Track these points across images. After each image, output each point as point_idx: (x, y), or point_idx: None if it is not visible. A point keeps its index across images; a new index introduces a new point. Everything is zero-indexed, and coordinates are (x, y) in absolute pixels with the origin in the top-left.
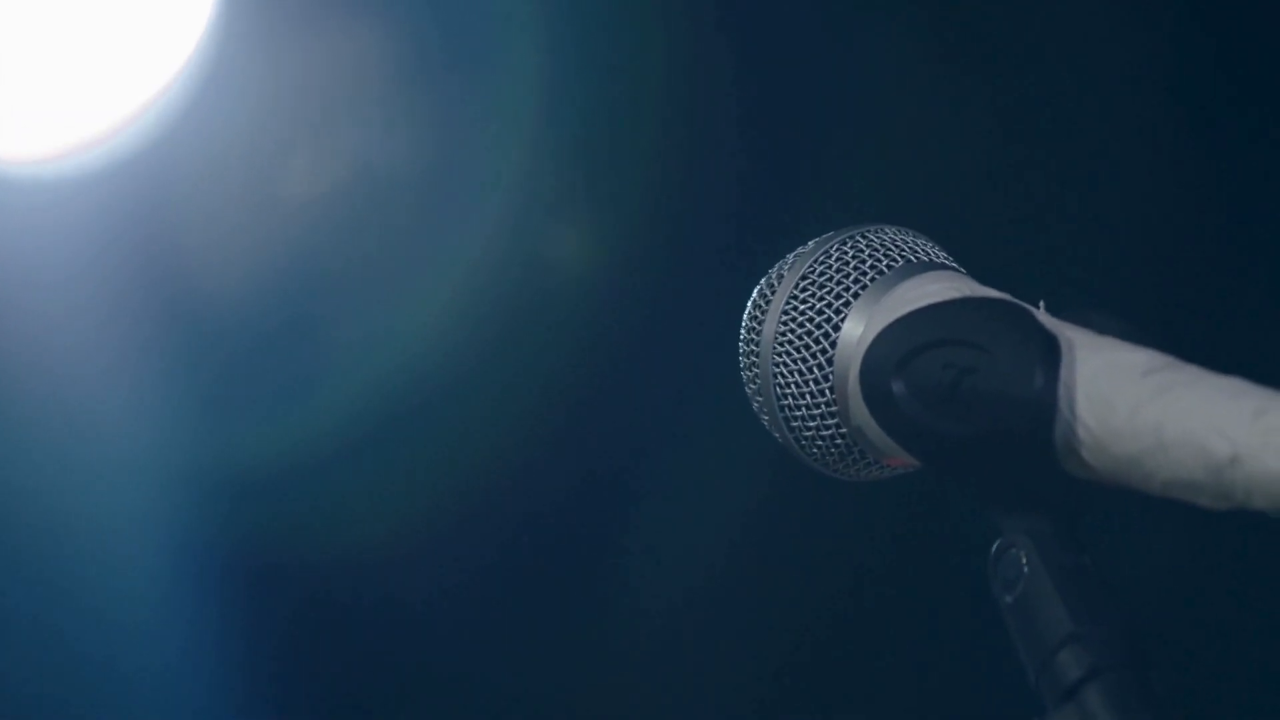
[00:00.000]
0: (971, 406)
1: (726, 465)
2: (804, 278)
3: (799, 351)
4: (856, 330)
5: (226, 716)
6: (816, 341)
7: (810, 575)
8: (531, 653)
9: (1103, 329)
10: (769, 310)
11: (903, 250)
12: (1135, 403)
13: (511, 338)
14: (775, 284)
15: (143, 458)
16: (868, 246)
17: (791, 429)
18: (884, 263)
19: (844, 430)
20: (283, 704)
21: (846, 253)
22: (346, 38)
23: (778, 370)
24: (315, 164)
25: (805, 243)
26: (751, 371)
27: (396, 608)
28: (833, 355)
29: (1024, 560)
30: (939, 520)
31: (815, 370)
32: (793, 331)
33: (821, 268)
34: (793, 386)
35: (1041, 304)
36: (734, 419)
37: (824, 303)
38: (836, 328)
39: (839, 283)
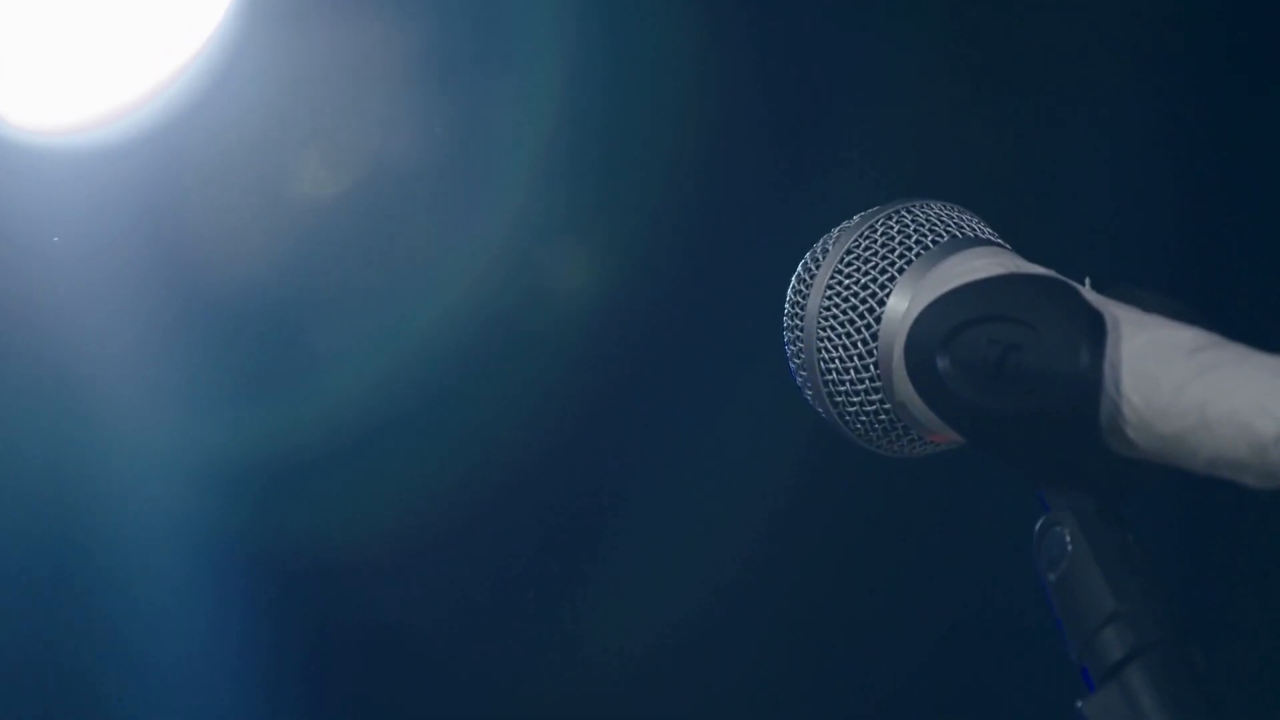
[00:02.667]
0: (1017, 383)
1: (734, 474)
2: (849, 252)
3: (843, 326)
4: (901, 305)
5: (223, 708)
6: (861, 316)
7: (828, 586)
8: (541, 651)
9: (1148, 306)
10: (814, 285)
11: (948, 225)
12: (1180, 381)
13: (526, 336)
14: (820, 258)
15: (149, 440)
16: (913, 221)
17: (835, 404)
18: (929, 238)
19: (888, 406)
20: (279, 696)
21: (892, 227)
22: (371, 25)
23: (822, 345)
24: (333, 150)
25: (850, 217)
26: (796, 346)
27: (408, 605)
28: (877, 330)
29: (1068, 538)
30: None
31: (860, 345)
32: (837, 306)
33: (866, 242)
34: (837, 361)
35: (1087, 281)
36: (738, 426)
37: (869, 278)
38: (881, 303)
39: (884, 257)
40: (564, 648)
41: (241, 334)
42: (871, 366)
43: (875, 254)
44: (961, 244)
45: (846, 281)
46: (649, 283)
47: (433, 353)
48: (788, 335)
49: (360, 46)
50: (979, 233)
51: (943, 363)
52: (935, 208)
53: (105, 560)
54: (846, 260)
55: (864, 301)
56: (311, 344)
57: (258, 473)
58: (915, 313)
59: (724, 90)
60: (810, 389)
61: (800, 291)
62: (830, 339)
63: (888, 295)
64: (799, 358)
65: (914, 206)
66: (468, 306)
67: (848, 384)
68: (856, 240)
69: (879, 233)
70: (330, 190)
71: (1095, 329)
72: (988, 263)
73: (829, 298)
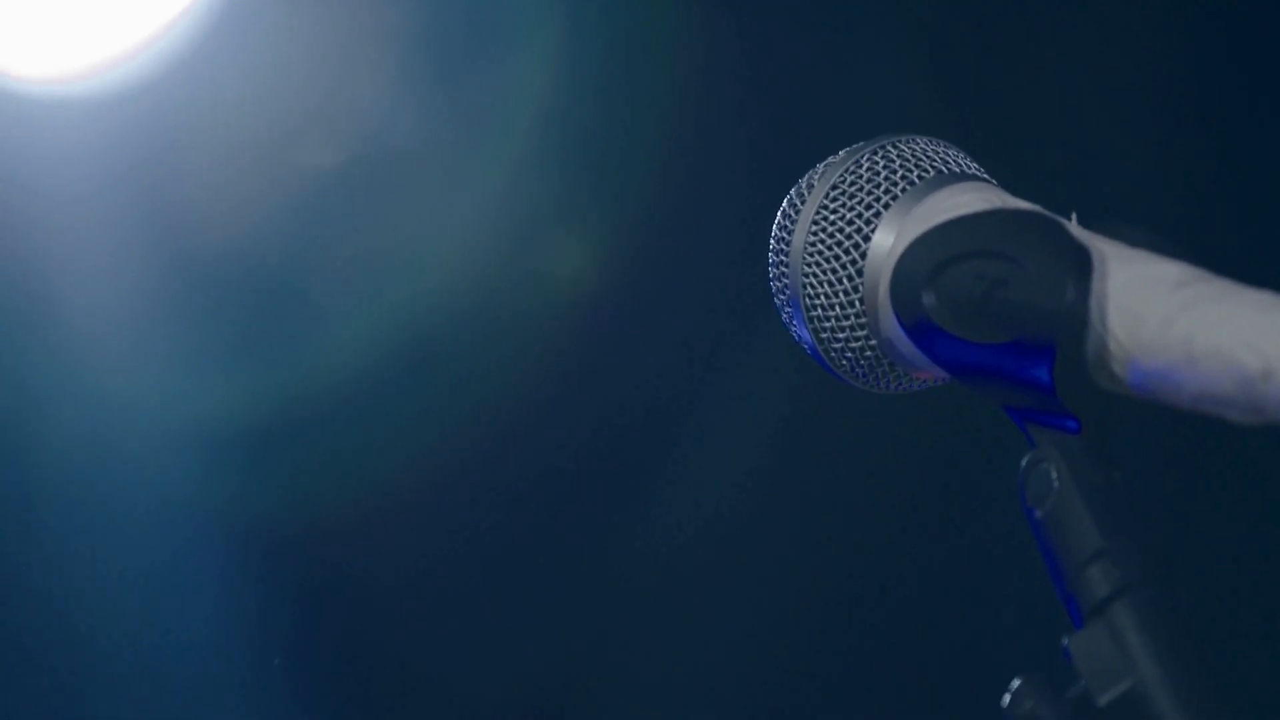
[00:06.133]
0: (1003, 319)
1: (719, 449)
2: (834, 187)
3: (829, 262)
4: (887, 241)
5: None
6: (846, 252)
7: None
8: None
9: (1134, 242)
10: (799, 220)
11: (934, 161)
12: (1166, 316)
13: (516, 309)
14: (805, 193)
15: (133, 400)
16: (899, 156)
17: (821, 340)
18: (915, 173)
19: (874, 342)
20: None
21: (878, 162)
22: None
23: (807, 280)
24: (326, 107)
25: (836, 153)
26: (781, 282)
27: (395, 577)
28: (863, 266)
29: (1054, 475)
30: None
31: (845, 281)
32: (823, 241)
33: (852, 177)
34: (822, 297)
35: (1073, 216)
36: (724, 403)
37: (854, 213)
38: (867, 238)
39: (870, 192)
40: (554, 620)
41: (229, 297)
42: (857, 302)
43: (860, 189)
44: (947, 179)
45: (832, 217)
46: (638, 262)
47: (423, 323)
48: (772, 271)
49: (355, 3)
50: (965, 168)
51: (928, 298)
52: (921, 143)
53: (88, 527)
54: (831, 195)
55: (849, 237)
56: (300, 306)
57: (243, 440)
58: (901, 248)
59: (712, 73)
60: (795, 326)
61: (785, 227)
62: (815, 275)
63: (873, 231)
64: (784, 294)
65: (900, 141)
66: (457, 276)
67: (833, 320)
68: (842, 175)
69: (864, 168)
70: (322, 146)
71: (1081, 264)
72: (973, 198)
73: (814, 233)
